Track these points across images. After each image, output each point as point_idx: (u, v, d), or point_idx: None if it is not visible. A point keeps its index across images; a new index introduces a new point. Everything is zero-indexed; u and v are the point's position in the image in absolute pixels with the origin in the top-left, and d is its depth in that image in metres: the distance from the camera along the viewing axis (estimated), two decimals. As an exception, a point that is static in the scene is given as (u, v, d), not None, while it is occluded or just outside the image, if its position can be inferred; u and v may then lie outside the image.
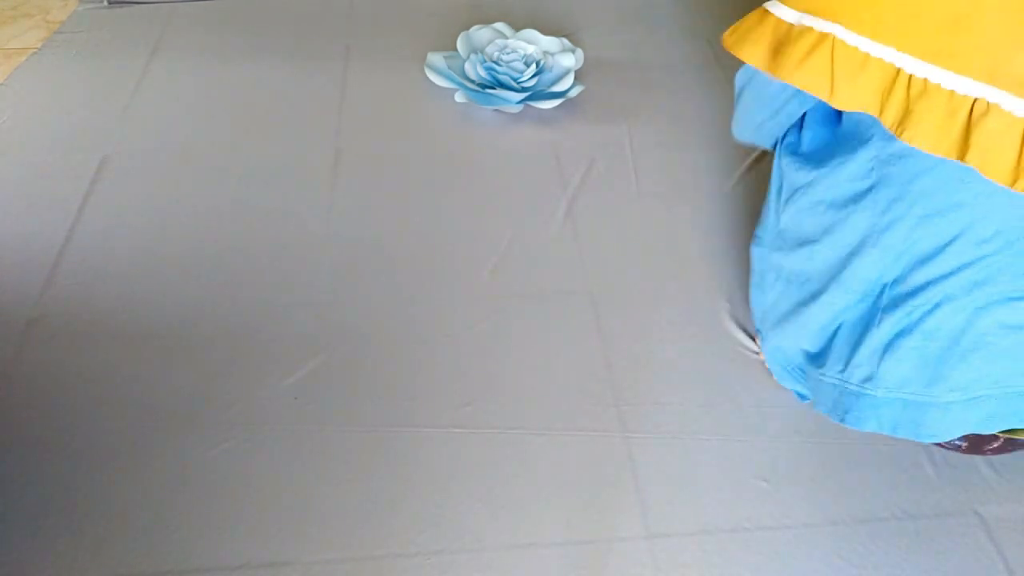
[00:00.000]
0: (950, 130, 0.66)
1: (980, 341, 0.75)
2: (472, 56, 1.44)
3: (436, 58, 1.46)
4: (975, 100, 0.65)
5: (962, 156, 0.65)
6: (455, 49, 1.48)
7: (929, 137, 0.67)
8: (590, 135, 1.38)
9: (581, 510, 0.87)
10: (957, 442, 0.86)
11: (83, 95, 1.47)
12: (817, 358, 0.88)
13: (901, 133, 0.68)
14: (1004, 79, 0.64)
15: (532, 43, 1.46)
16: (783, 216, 0.91)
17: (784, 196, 0.91)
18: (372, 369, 1.01)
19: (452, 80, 1.42)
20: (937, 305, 0.76)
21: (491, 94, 1.39)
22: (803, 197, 0.86)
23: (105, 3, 1.73)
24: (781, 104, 0.86)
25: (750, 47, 0.76)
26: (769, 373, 0.99)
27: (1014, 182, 0.64)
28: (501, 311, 1.08)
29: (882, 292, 0.80)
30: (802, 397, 0.95)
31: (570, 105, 1.43)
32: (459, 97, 1.41)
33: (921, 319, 0.77)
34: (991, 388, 0.75)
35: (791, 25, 0.73)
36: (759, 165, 1.31)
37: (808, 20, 0.71)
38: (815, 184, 0.85)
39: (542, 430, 0.94)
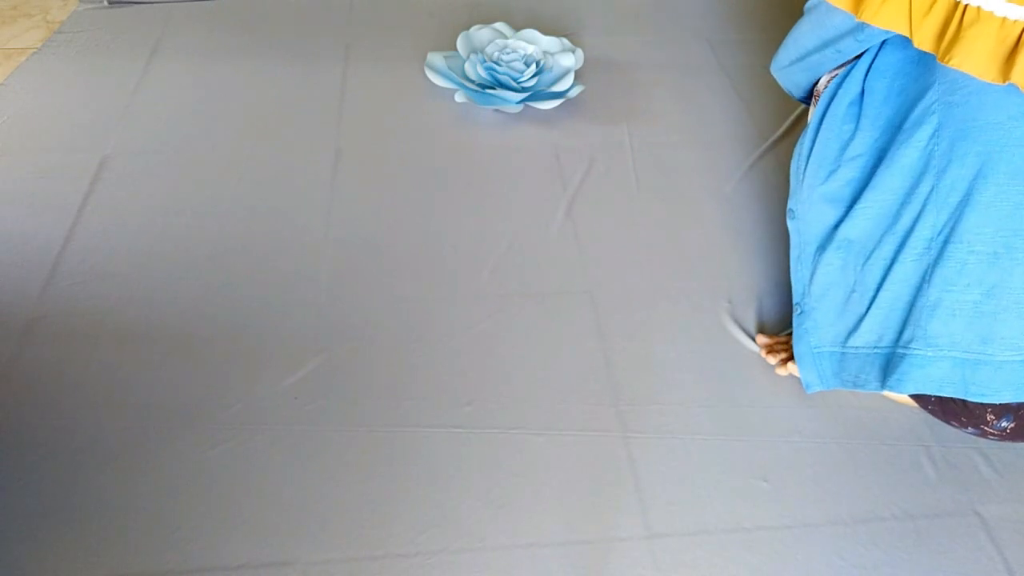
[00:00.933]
0: (998, 54, 0.69)
1: None
2: (472, 56, 1.44)
3: (436, 58, 1.46)
4: None
5: (1005, 78, 0.68)
6: (455, 49, 1.48)
7: (978, 61, 0.69)
8: (590, 135, 1.38)
9: (581, 510, 0.87)
10: (1005, 426, 0.83)
11: (83, 95, 1.47)
12: (858, 329, 0.87)
13: (949, 59, 0.71)
14: None
15: (532, 43, 1.46)
16: (831, 179, 0.91)
17: (830, 155, 0.91)
18: (372, 369, 1.01)
19: (452, 80, 1.42)
20: (995, 255, 0.75)
21: (491, 94, 1.39)
22: (854, 151, 0.87)
23: (105, 3, 1.73)
24: (834, 37, 0.87)
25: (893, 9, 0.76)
26: (769, 368, 0.99)
27: None
28: (501, 311, 1.08)
29: (930, 245, 0.79)
30: (808, 387, 0.94)
31: (570, 105, 1.43)
32: (459, 97, 1.41)
33: (976, 270, 0.76)
34: None
35: None
36: (760, 164, 1.31)
37: None
38: (867, 135, 0.86)
39: (542, 430, 0.94)
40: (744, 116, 1.41)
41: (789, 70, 0.99)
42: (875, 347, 0.86)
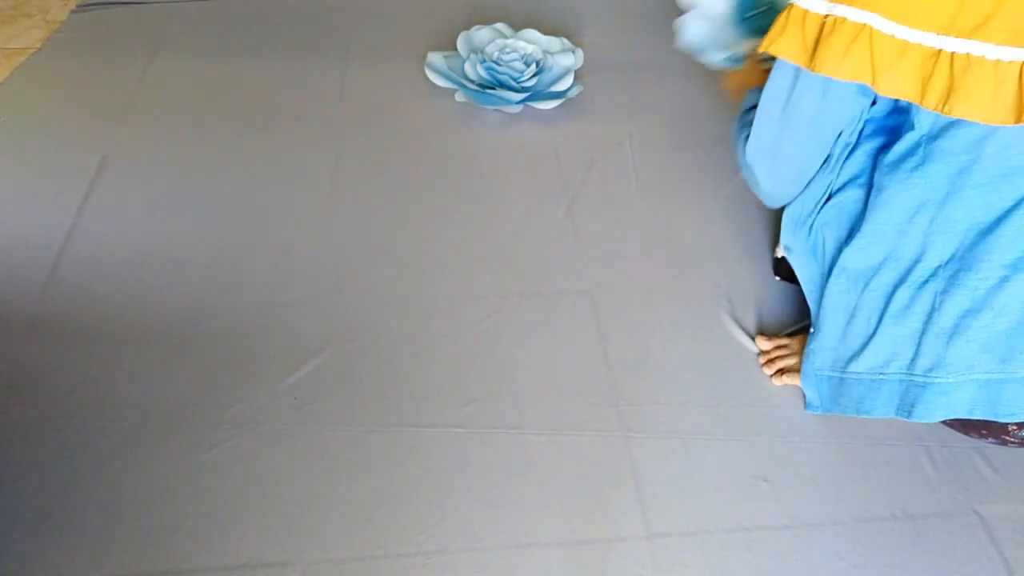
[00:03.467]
0: (1002, 96, 0.68)
1: None
2: (472, 56, 1.44)
3: (436, 58, 1.46)
4: (1023, 64, 0.67)
5: (1019, 119, 0.67)
6: (455, 49, 1.48)
7: (981, 107, 0.69)
8: (590, 135, 1.38)
9: (581, 510, 0.87)
10: None
11: (83, 95, 1.47)
12: (861, 355, 0.87)
13: (949, 110, 0.70)
14: None
15: (532, 43, 1.46)
16: (825, 209, 0.90)
17: (819, 190, 0.91)
18: (372, 369, 1.01)
19: (452, 80, 1.42)
20: (1004, 280, 0.76)
21: (491, 94, 1.39)
22: (851, 192, 0.87)
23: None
24: (834, 121, 0.83)
25: (786, 42, 0.76)
26: (767, 374, 0.99)
27: None
28: (501, 311, 1.08)
29: (935, 274, 0.80)
30: (809, 405, 0.94)
31: (570, 105, 1.43)
32: (459, 97, 1.41)
33: (987, 296, 0.76)
34: None
35: (823, 16, 0.73)
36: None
37: (840, 10, 0.72)
38: (855, 165, 0.86)
39: (542, 430, 0.94)
40: (744, 116, 1.41)
41: (794, 182, 0.92)
42: (880, 373, 0.85)
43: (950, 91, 0.70)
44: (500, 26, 1.50)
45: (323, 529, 0.85)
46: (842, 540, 0.84)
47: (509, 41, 1.45)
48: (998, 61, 0.68)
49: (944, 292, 0.79)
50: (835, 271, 0.89)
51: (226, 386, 0.98)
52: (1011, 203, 0.75)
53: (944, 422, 0.90)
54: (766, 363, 1.00)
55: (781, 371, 0.98)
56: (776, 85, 0.83)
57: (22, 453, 0.91)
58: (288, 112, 1.42)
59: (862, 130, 0.86)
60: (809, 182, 0.91)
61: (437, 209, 1.24)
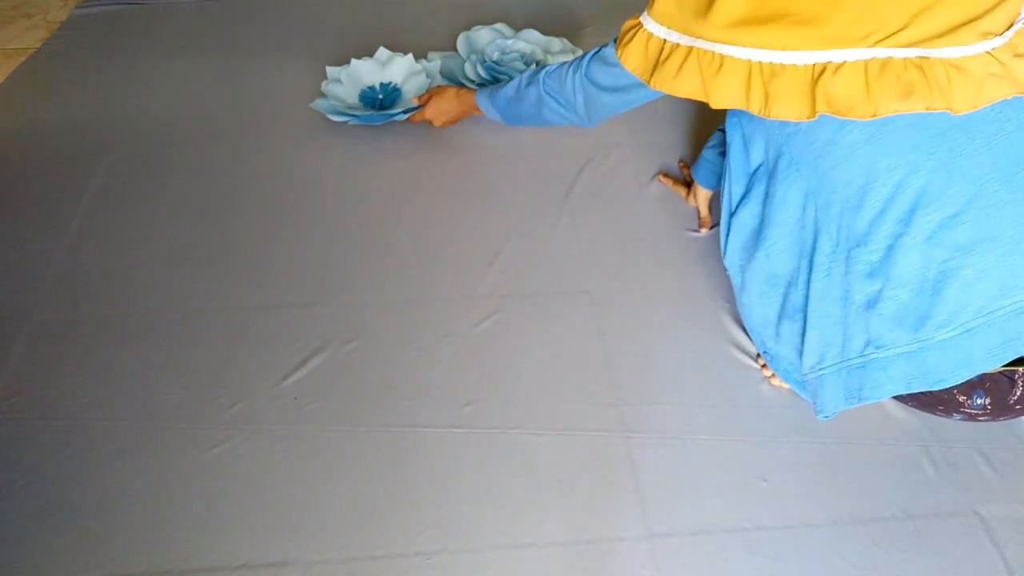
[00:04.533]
0: (802, 95, 0.75)
1: (945, 271, 0.75)
2: (472, 56, 1.44)
3: (436, 58, 1.46)
4: (813, 65, 0.74)
5: (812, 114, 0.75)
6: (455, 49, 1.48)
7: (789, 108, 0.76)
8: (589, 135, 1.38)
9: (581, 510, 0.87)
10: (982, 403, 0.83)
11: (83, 95, 1.47)
12: (801, 356, 0.88)
13: (769, 112, 0.76)
14: (829, 41, 0.73)
15: (532, 43, 1.46)
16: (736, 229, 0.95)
17: (730, 209, 0.96)
18: (372, 369, 1.01)
19: (452, 80, 1.42)
20: (890, 248, 0.78)
21: (491, 94, 1.38)
22: (744, 204, 0.93)
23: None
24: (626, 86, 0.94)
25: (635, 61, 0.86)
26: (766, 375, 0.99)
27: (873, 113, 0.72)
28: (501, 311, 1.08)
29: (834, 258, 0.82)
30: (820, 415, 0.93)
31: (570, 105, 1.43)
32: (459, 97, 1.42)
33: (881, 267, 0.78)
34: (978, 317, 0.75)
35: (663, 41, 0.82)
36: (759, 165, 1.30)
37: (675, 36, 0.81)
38: (745, 188, 0.92)
39: (542, 430, 0.94)
40: (744, 116, 1.41)
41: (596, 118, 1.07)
42: (819, 367, 0.86)
43: (766, 97, 0.76)
44: (500, 26, 1.50)
45: (323, 529, 0.85)
46: (842, 540, 0.84)
47: (509, 42, 1.45)
48: (793, 65, 0.74)
49: (847, 273, 0.81)
50: (770, 283, 0.91)
51: (226, 386, 0.98)
52: (863, 178, 0.78)
53: (906, 403, 0.90)
54: (765, 364, 1.00)
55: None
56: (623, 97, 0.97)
57: (22, 453, 0.91)
58: (288, 111, 1.42)
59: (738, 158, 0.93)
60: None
61: (437, 209, 1.24)
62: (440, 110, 1.29)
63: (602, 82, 0.97)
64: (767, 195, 0.89)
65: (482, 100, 1.21)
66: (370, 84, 1.40)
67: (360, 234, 1.19)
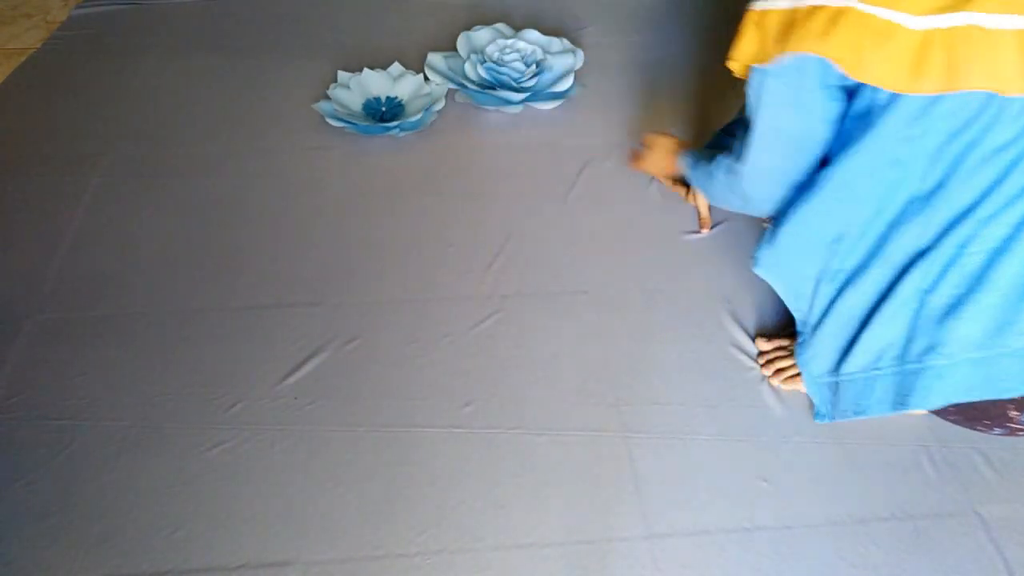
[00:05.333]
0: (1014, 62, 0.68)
1: None
2: (472, 56, 1.44)
3: (436, 58, 1.46)
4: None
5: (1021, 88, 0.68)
6: (455, 49, 1.48)
7: (991, 75, 0.69)
8: (590, 135, 1.38)
9: (581, 510, 0.87)
10: None
11: (83, 95, 1.47)
12: (850, 354, 0.86)
13: (955, 84, 0.70)
14: None
15: (532, 43, 1.46)
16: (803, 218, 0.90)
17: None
18: (372, 369, 1.01)
19: (452, 80, 1.42)
20: (996, 252, 0.76)
21: (491, 94, 1.39)
22: (827, 193, 0.85)
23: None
24: (810, 127, 0.83)
25: (747, 46, 0.80)
26: (766, 375, 0.99)
27: None
28: (501, 311, 1.08)
29: (920, 258, 0.80)
30: (818, 416, 0.93)
31: (570, 105, 1.43)
32: (459, 97, 1.42)
33: (977, 273, 0.77)
34: None
35: (791, 10, 0.75)
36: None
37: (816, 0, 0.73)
38: (836, 178, 0.84)
39: (542, 430, 0.94)
40: (744, 116, 1.41)
41: (771, 191, 0.93)
42: (874, 368, 0.85)
43: (948, 68, 0.70)
44: (500, 26, 1.50)
45: (323, 529, 0.85)
46: (842, 540, 0.84)
47: (509, 41, 1.45)
48: (997, 29, 0.68)
49: (933, 274, 0.79)
50: (828, 276, 0.89)
51: (226, 386, 0.98)
52: (989, 182, 0.76)
53: (947, 417, 0.90)
54: (765, 364, 1.00)
55: (780, 372, 0.98)
56: (753, 104, 0.84)
57: (22, 453, 0.91)
58: (289, 112, 1.42)
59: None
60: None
61: (437, 209, 1.24)
62: (658, 164, 1.19)
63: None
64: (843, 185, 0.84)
65: (685, 166, 1.09)
66: (376, 95, 1.41)
67: (360, 234, 1.19)
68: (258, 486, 0.89)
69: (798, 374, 0.97)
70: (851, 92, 0.80)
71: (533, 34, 1.47)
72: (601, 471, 0.90)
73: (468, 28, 1.49)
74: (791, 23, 0.76)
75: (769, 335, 1.04)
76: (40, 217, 1.22)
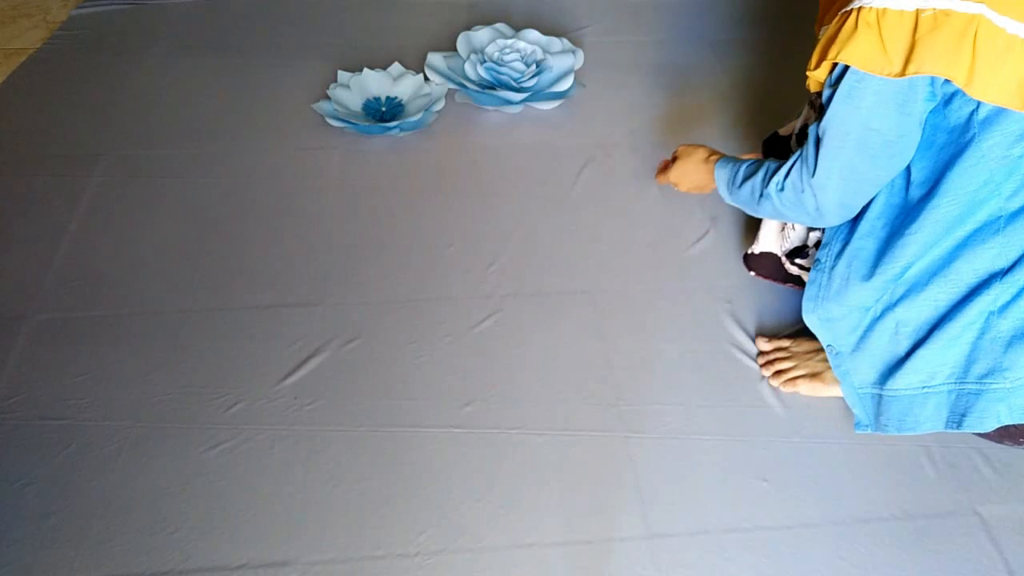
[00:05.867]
0: None
1: None
2: (472, 56, 1.44)
3: (436, 58, 1.46)
4: None
5: None
6: (455, 49, 1.48)
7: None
8: (590, 135, 1.38)
9: (581, 510, 0.87)
10: None
11: (83, 95, 1.47)
12: (900, 370, 0.83)
13: None
14: None
15: (532, 43, 1.46)
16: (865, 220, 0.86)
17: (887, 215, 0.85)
18: (372, 369, 1.01)
19: (452, 80, 1.42)
20: None
21: (491, 94, 1.39)
22: (928, 220, 0.80)
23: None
24: (901, 139, 0.77)
25: (862, 50, 0.71)
26: (766, 375, 0.99)
27: None
28: (501, 311, 1.08)
29: (990, 281, 0.77)
30: (858, 425, 0.91)
31: (570, 105, 1.43)
32: (459, 97, 1.42)
33: None
34: None
35: (914, 12, 0.69)
36: (759, 165, 1.30)
37: (943, 2, 0.67)
38: (943, 206, 0.79)
39: (542, 430, 0.94)
40: (744, 116, 1.41)
41: (840, 212, 0.86)
42: (925, 386, 0.82)
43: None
44: (500, 26, 1.50)
45: (323, 529, 0.85)
46: (842, 540, 0.84)
47: (509, 41, 1.45)
48: None
49: (1006, 298, 0.76)
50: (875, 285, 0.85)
51: (226, 386, 0.98)
52: None
53: (976, 434, 0.88)
54: (765, 364, 1.00)
55: (780, 372, 0.98)
56: (843, 109, 0.77)
57: (22, 453, 0.91)
58: (289, 112, 1.42)
59: None
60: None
61: (437, 209, 1.24)
62: (686, 173, 1.05)
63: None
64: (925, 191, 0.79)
65: (720, 179, 0.97)
66: (376, 95, 1.41)
67: (360, 234, 1.19)
68: (258, 486, 0.89)
69: (798, 375, 0.97)
70: (947, 97, 0.75)
71: (533, 34, 1.47)
72: (601, 471, 0.90)
73: (468, 28, 1.49)
74: (913, 32, 0.69)
75: (769, 335, 1.04)
76: (40, 217, 1.22)
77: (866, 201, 0.85)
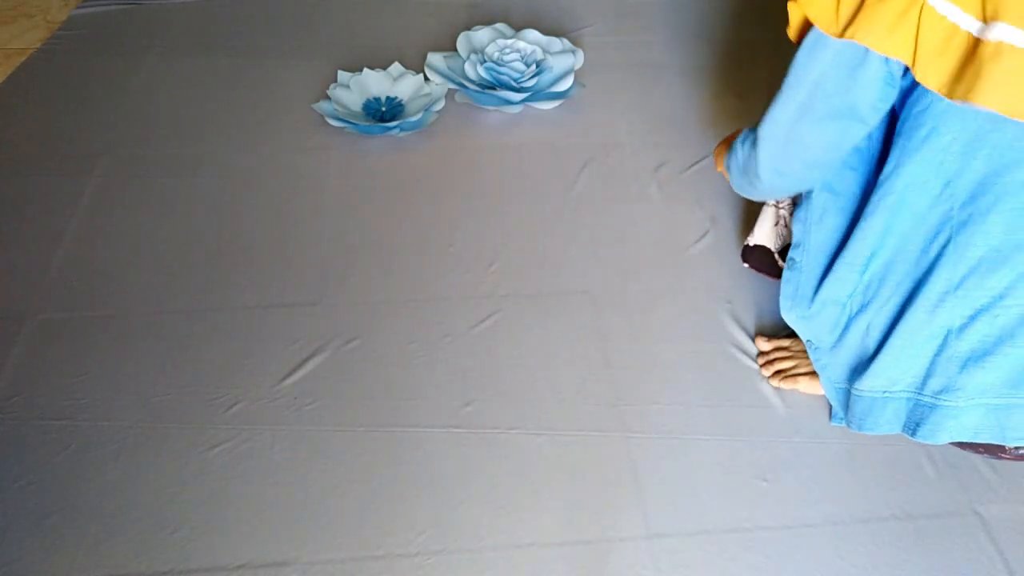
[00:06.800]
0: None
1: None
2: (472, 56, 1.44)
3: (436, 58, 1.46)
4: None
5: None
6: (455, 49, 1.48)
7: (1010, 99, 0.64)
8: (590, 135, 1.38)
9: (581, 510, 0.87)
10: (1022, 451, 0.82)
11: (83, 95, 1.47)
12: (866, 373, 0.84)
13: (972, 97, 0.65)
14: None
15: (532, 43, 1.46)
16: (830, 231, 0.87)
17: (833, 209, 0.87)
18: (372, 369, 1.01)
19: (452, 80, 1.42)
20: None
21: (491, 94, 1.39)
22: (871, 206, 0.81)
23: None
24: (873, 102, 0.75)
25: (820, 6, 0.71)
26: (765, 375, 0.99)
27: None
28: (501, 311, 1.08)
29: (943, 299, 0.77)
30: (835, 419, 0.93)
31: (570, 105, 1.43)
32: (459, 97, 1.42)
33: (1007, 324, 0.75)
34: None
35: None
36: (759, 165, 1.30)
37: None
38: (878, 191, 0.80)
39: (542, 430, 0.94)
40: (744, 116, 1.41)
41: (802, 175, 0.86)
42: (885, 391, 0.83)
43: (975, 77, 0.64)
44: (500, 26, 1.50)
45: (323, 529, 0.85)
46: (842, 540, 0.84)
47: (509, 41, 1.45)
48: None
49: (963, 318, 0.76)
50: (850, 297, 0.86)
51: (226, 386, 0.98)
52: None
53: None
54: (765, 364, 1.00)
55: (780, 372, 0.98)
56: (802, 60, 0.75)
57: (22, 453, 0.91)
58: (288, 111, 1.42)
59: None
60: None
61: (437, 209, 1.24)
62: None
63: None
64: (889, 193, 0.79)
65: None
66: (376, 95, 1.41)
67: (360, 234, 1.19)
68: (258, 486, 0.89)
69: (798, 374, 0.97)
70: (908, 89, 0.76)
71: (533, 34, 1.47)
72: (601, 471, 0.90)
73: (468, 28, 1.49)
74: (862, 2, 0.68)
75: (769, 335, 1.04)
76: (40, 217, 1.22)
77: (799, 185, 0.87)
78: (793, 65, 0.77)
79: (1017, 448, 0.82)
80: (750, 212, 1.21)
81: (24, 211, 1.23)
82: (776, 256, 1.04)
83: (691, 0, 1.75)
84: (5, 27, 1.72)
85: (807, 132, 0.79)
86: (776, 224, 1.02)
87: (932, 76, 0.68)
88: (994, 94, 0.64)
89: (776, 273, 1.06)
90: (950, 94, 0.67)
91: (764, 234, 1.05)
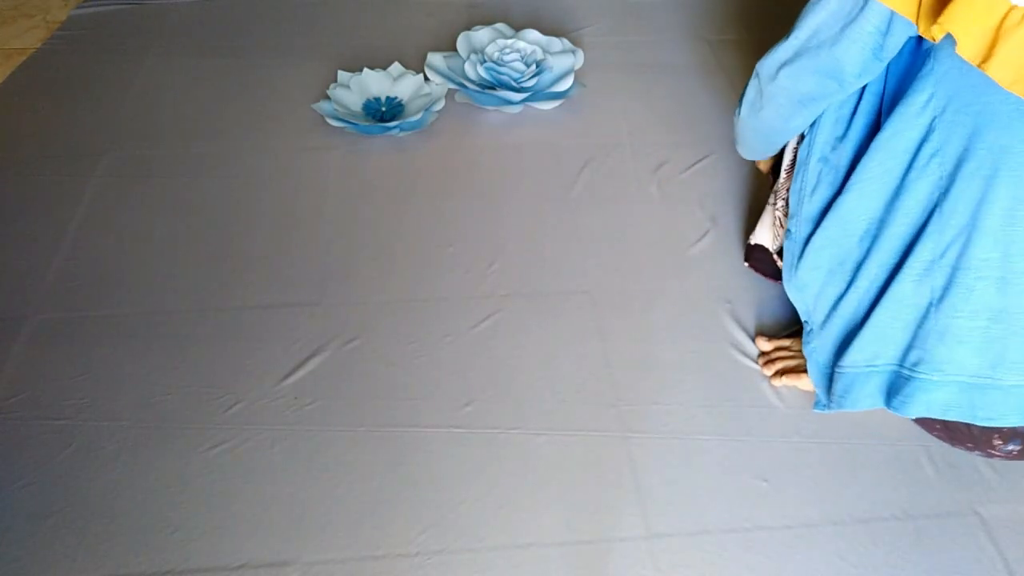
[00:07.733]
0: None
1: None
2: (472, 56, 1.44)
3: (436, 58, 1.46)
4: None
5: None
6: (455, 49, 1.48)
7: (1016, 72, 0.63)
8: (590, 135, 1.38)
9: (581, 510, 0.87)
10: (1011, 448, 0.82)
11: (83, 95, 1.47)
12: (850, 347, 0.84)
13: (986, 66, 0.64)
14: None
15: (532, 43, 1.46)
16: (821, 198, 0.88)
17: (826, 175, 0.88)
18: (372, 369, 1.01)
19: (452, 80, 1.42)
20: (1003, 280, 0.73)
21: (491, 94, 1.39)
22: (856, 174, 0.82)
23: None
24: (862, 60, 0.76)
25: None
26: (766, 375, 0.99)
27: None
28: (501, 311, 1.08)
29: (931, 268, 0.77)
30: (818, 405, 0.93)
31: (570, 105, 1.43)
32: (459, 97, 1.42)
33: (985, 299, 0.74)
34: None
35: None
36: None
37: None
38: (866, 157, 0.81)
39: (542, 430, 0.94)
40: (744, 116, 1.41)
41: (786, 122, 0.89)
42: (869, 365, 0.84)
43: (992, 45, 0.63)
44: (500, 26, 1.50)
45: (323, 529, 0.85)
46: (842, 540, 0.84)
47: (509, 41, 1.45)
48: None
49: (943, 289, 0.77)
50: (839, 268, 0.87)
51: (226, 386, 0.98)
52: (1018, 200, 0.72)
53: (932, 431, 0.89)
54: (766, 364, 1.00)
55: (780, 372, 0.98)
56: (812, 3, 0.77)
57: (22, 453, 0.91)
58: (289, 112, 1.42)
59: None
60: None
61: (437, 209, 1.24)
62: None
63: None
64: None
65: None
66: (376, 95, 1.41)
67: (360, 234, 1.19)
68: (258, 486, 0.89)
69: (800, 372, 0.97)
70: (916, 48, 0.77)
71: (533, 34, 1.47)
72: (601, 471, 0.90)
73: (468, 28, 1.49)
74: None
75: (769, 335, 1.04)
76: (40, 217, 1.22)
77: (781, 139, 0.92)
78: (802, 12, 0.79)
79: (1007, 446, 0.82)
80: (751, 212, 1.22)
81: (24, 211, 1.23)
82: (775, 256, 1.04)
83: (691, 0, 1.75)
84: (5, 27, 1.72)
85: (792, 84, 0.83)
86: (774, 224, 1.02)
87: (940, 33, 0.67)
88: (1003, 69, 0.64)
89: (774, 274, 1.06)
90: (962, 52, 0.66)
91: (764, 232, 1.05)
